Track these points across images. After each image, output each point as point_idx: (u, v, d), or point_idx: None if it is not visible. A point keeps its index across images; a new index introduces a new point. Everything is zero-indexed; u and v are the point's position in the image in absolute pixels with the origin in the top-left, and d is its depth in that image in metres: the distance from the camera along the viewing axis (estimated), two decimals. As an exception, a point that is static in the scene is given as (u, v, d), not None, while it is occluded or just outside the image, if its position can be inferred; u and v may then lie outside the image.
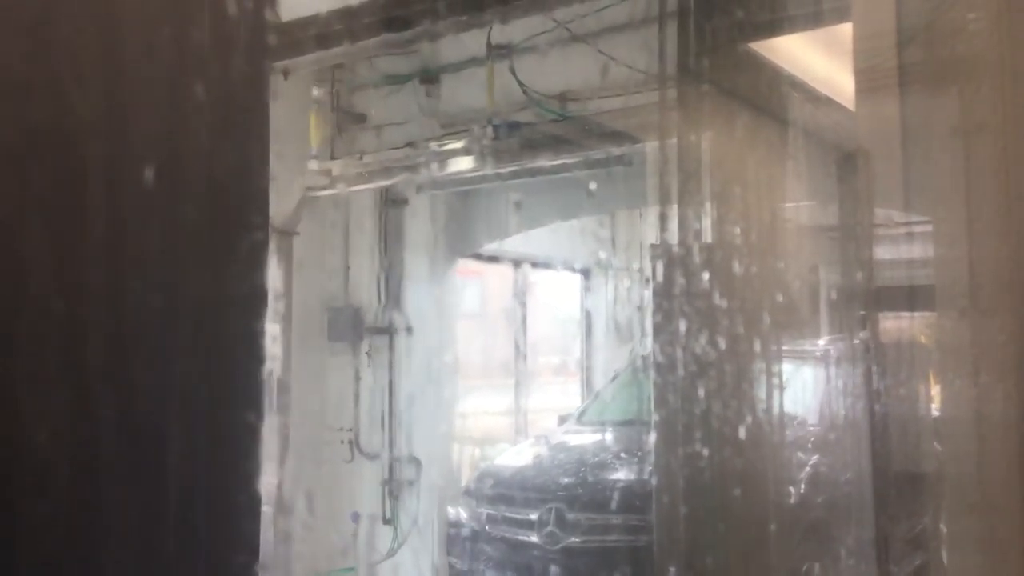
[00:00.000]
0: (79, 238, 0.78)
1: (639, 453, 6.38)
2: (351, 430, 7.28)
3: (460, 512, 6.52)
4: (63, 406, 0.77)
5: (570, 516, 5.90)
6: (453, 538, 6.52)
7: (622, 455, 6.60)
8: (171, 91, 0.94)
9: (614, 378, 7.99)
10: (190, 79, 0.95)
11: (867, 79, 4.05)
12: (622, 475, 6.27)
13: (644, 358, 7.65)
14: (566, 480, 6.22)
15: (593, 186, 6.15)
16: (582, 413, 7.58)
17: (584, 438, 7.12)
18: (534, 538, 5.97)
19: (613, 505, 5.88)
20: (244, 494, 1.00)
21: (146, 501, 0.88)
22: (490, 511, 6.27)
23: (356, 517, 7.02)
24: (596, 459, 6.67)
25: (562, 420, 7.70)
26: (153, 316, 0.83)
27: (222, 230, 0.97)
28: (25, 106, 0.76)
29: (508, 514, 6.17)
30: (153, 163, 0.83)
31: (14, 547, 0.74)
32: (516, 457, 7.16)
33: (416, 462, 7.25)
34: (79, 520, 0.78)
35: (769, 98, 5.06)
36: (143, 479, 0.86)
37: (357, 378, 7.32)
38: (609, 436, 7.06)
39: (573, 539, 5.87)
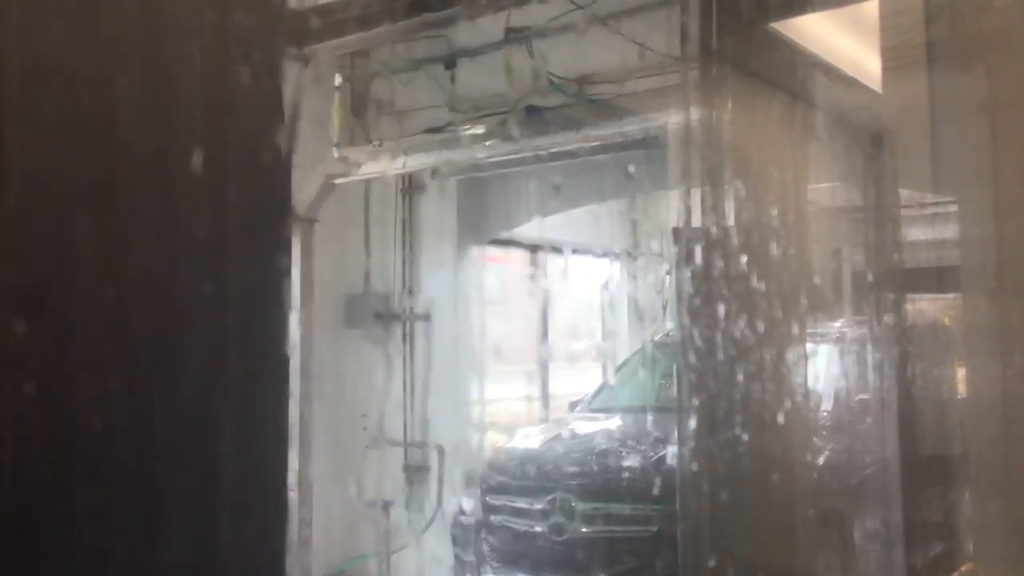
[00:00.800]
0: (126, 224, 0.78)
1: (648, 440, 6.25)
2: (371, 417, 7.30)
3: (464, 501, 6.46)
4: (115, 392, 0.77)
5: (576, 505, 5.76)
6: (458, 527, 6.42)
7: (629, 442, 6.43)
8: (204, 79, 0.93)
9: (623, 364, 7.88)
10: (225, 65, 0.95)
11: (894, 57, 4.00)
12: (630, 463, 6.05)
13: (656, 343, 7.62)
14: (572, 468, 6.07)
15: (632, 168, 6.07)
16: (592, 399, 7.44)
17: (593, 425, 6.97)
18: (539, 528, 5.85)
19: (621, 494, 5.73)
20: (274, 478, 1.00)
21: (193, 486, 0.87)
22: (495, 500, 6.17)
23: (378, 504, 7.04)
24: (604, 446, 6.48)
25: (572, 406, 7.59)
26: (201, 302, 0.83)
27: (250, 217, 0.97)
28: (71, 93, 0.76)
29: (513, 503, 6.06)
30: (198, 150, 0.83)
31: (71, 531, 0.75)
32: (522, 445, 7.00)
33: (438, 449, 7.26)
34: (133, 505, 0.78)
35: (793, 79, 5.01)
36: (191, 464, 0.85)
37: (378, 365, 7.33)
38: (618, 422, 6.92)
39: (579, 529, 5.74)
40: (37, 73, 0.73)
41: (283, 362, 1.02)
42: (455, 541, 6.49)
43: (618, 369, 7.95)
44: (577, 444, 6.60)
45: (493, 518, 6.12)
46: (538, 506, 5.87)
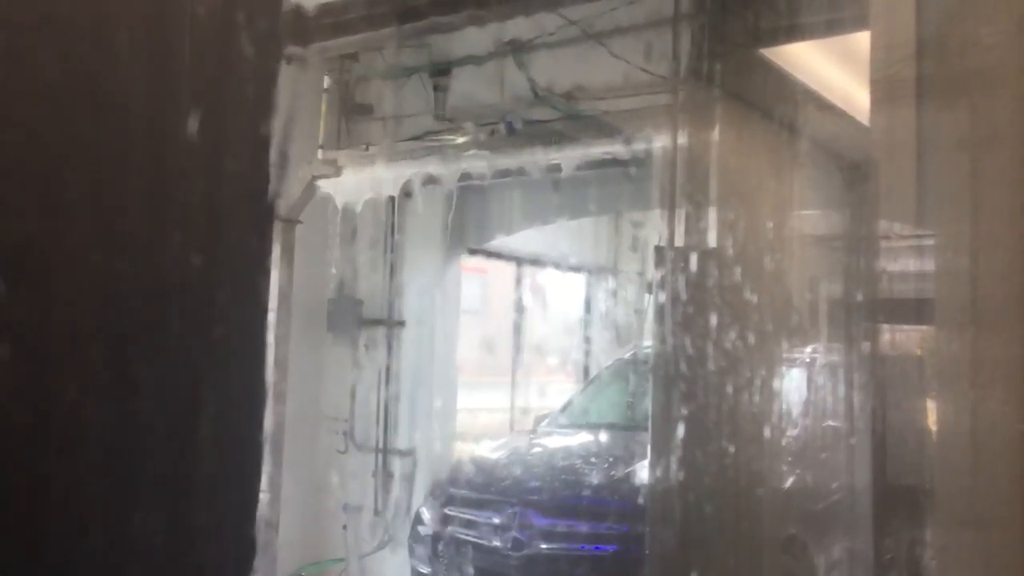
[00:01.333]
0: (120, 186, 0.77)
1: (612, 458, 6.19)
2: (346, 421, 7.26)
3: (423, 512, 6.28)
4: (96, 363, 0.76)
5: (535, 521, 5.64)
6: (414, 539, 6.26)
7: (592, 459, 6.36)
8: (197, 58, 0.93)
9: (591, 380, 7.78)
10: (217, 52, 0.94)
11: (882, 88, 4.04)
12: (593, 480, 5.94)
13: (626, 360, 7.59)
14: (533, 483, 5.94)
15: (633, 170, 6.03)
16: (559, 414, 7.36)
17: (557, 440, 6.88)
18: (497, 543, 5.69)
19: (582, 511, 5.62)
20: (250, 459, 0.98)
21: (169, 464, 0.86)
22: (453, 512, 6.02)
23: (347, 508, 6.99)
24: (567, 462, 6.39)
25: (539, 421, 7.49)
26: (193, 273, 0.82)
27: (238, 196, 0.96)
28: (68, 42, 0.74)
29: (471, 516, 5.92)
30: (193, 119, 0.82)
31: (46, 502, 0.73)
32: (483, 457, 6.88)
33: (410, 455, 7.23)
34: (106, 480, 0.77)
35: (780, 105, 5.06)
36: (172, 441, 0.84)
37: (354, 369, 7.29)
38: (584, 439, 6.82)
39: (539, 545, 5.60)
40: (34, 21, 0.71)
41: (261, 350, 1.01)
42: (411, 553, 6.34)
43: (586, 385, 7.90)
44: (540, 459, 6.51)
45: (451, 530, 5.97)
46: (496, 520, 5.74)
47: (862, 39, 4.50)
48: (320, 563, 7.05)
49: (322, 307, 7.30)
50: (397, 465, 7.25)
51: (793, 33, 4.62)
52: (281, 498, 6.48)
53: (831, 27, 4.53)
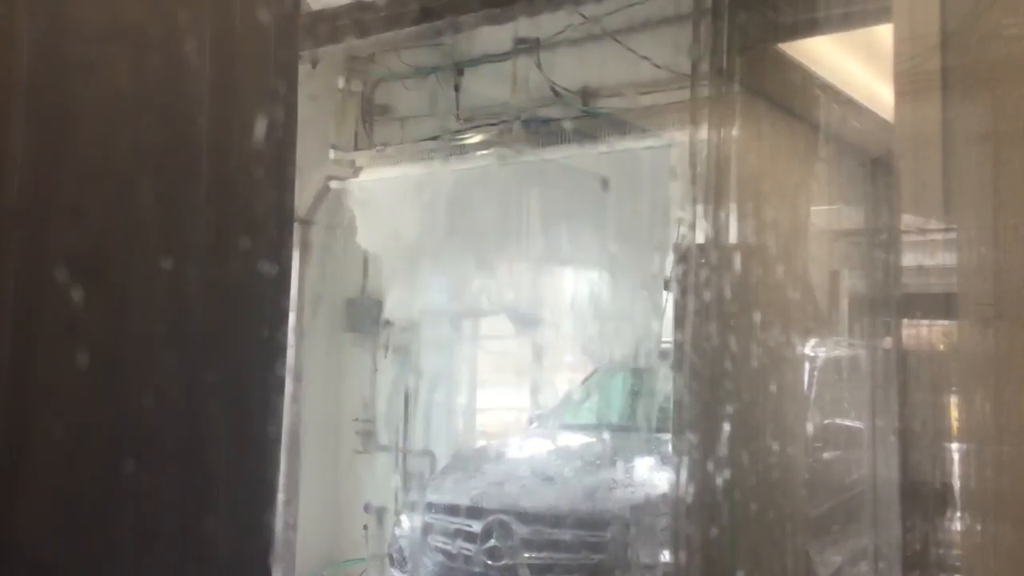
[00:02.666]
0: (188, 195, 0.76)
1: (599, 461, 5.88)
2: (366, 421, 7.27)
3: (403, 519, 6.05)
4: (168, 370, 0.76)
5: (517, 529, 5.34)
6: (395, 547, 6.00)
7: (578, 463, 5.94)
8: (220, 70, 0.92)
9: (588, 377, 7.34)
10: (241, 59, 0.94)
11: (906, 81, 4.02)
12: (582, 483, 5.58)
13: (623, 360, 7.03)
14: (515, 488, 5.58)
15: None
16: (551, 414, 6.99)
17: (545, 442, 6.51)
18: (476, 551, 5.41)
19: (565, 519, 5.28)
20: (266, 475, 0.98)
21: (241, 468, 0.86)
22: (433, 519, 5.76)
23: (368, 508, 7.00)
24: (554, 465, 5.97)
25: (531, 421, 7.19)
26: (261, 280, 0.81)
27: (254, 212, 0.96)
28: (139, 52, 0.74)
29: (451, 523, 5.64)
30: (260, 123, 0.82)
31: (117, 506, 0.73)
32: (466, 461, 6.53)
33: (430, 455, 7.23)
34: (180, 484, 0.77)
35: (800, 100, 5.03)
36: (237, 446, 0.84)
37: (373, 370, 7.30)
38: (574, 440, 6.41)
39: (519, 554, 5.30)
40: (107, 30, 0.71)
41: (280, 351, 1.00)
42: (391, 561, 6.04)
43: (583, 382, 7.44)
44: (524, 463, 6.15)
45: (431, 538, 5.72)
46: (476, 528, 5.47)
47: (883, 32, 4.47)
48: (340, 563, 7.06)
49: (340, 307, 7.31)
50: (417, 465, 7.26)
51: (813, 27, 4.59)
52: (300, 499, 6.50)
53: (852, 20, 4.50)
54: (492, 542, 5.36)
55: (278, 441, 0.97)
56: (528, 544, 5.31)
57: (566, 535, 5.25)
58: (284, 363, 0.94)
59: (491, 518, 5.42)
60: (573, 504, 5.37)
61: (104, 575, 0.73)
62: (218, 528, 0.83)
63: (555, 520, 5.30)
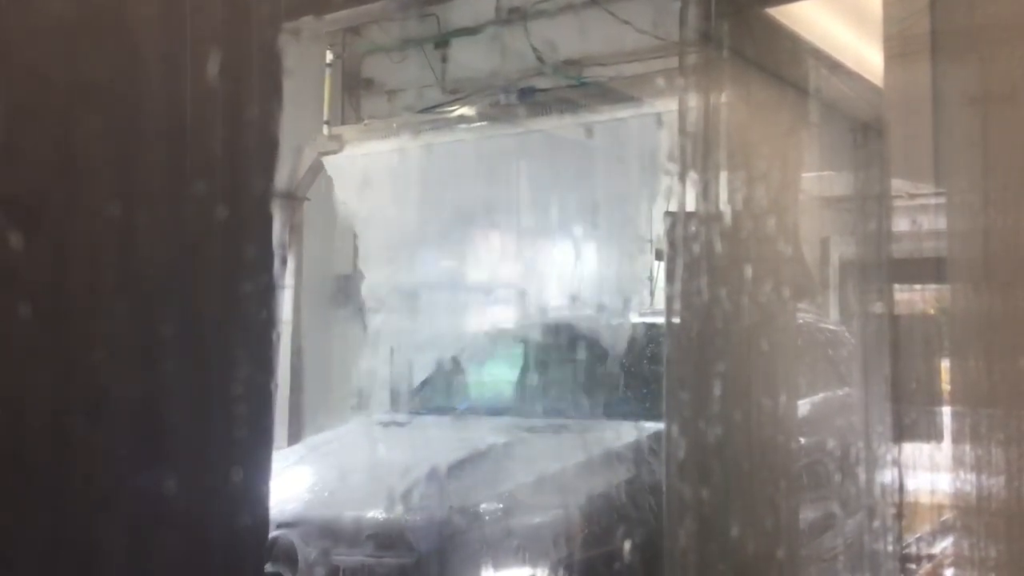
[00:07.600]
0: (135, 135, 0.72)
1: (431, 457, 4.18)
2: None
3: None
4: (118, 319, 0.72)
5: (303, 551, 3.72)
6: None
7: (399, 459, 4.34)
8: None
9: (455, 356, 5.81)
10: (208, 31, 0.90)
11: (895, 45, 3.98)
12: (385, 491, 3.99)
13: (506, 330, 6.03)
14: (307, 496, 4.04)
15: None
16: (412, 396, 5.54)
17: (369, 435, 4.92)
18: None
19: (360, 538, 3.70)
20: (232, 434, 0.95)
21: (192, 423, 0.83)
22: None
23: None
24: (365, 466, 4.41)
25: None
26: (222, 227, 0.78)
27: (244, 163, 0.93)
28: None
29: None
30: (213, 61, 0.77)
31: (65, 460, 0.70)
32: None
33: (423, 430, 7.21)
34: (130, 438, 0.73)
35: (789, 66, 4.99)
36: (192, 400, 0.81)
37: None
38: (413, 431, 4.85)
39: None
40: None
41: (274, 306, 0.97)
42: None
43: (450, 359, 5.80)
44: (326, 466, 4.56)
45: None
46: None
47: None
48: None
49: (330, 283, 7.28)
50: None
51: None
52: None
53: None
54: (272, 567, 3.64)
55: (249, 398, 0.93)
56: (315, 569, 3.73)
57: (366, 558, 3.71)
58: (251, 316, 0.90)
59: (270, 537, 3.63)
60: (373, 518, 3.86)
61: (54, 538, 0.70)
62: (179, 489, 0.80)
63: (350, 539, 3.76)
